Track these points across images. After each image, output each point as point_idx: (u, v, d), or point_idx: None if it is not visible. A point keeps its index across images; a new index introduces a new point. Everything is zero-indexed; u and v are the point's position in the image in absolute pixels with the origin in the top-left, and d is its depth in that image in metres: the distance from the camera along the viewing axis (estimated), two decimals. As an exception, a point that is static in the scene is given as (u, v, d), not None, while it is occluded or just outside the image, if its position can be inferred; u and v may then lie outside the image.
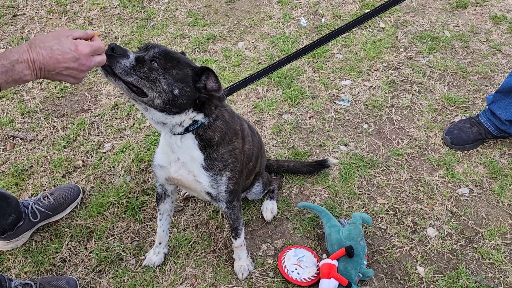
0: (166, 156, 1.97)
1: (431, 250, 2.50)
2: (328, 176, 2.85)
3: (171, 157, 1.95)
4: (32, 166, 2.88)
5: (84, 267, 2.41)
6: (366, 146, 3.04)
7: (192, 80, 1.70)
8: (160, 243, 2.41)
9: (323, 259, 2.39)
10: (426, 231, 2.59)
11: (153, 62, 1.63)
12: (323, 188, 2.79)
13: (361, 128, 3.16)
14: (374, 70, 3.58)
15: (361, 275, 2.31)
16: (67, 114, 3.22)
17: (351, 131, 3.15)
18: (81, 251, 2.47)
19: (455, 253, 2.49)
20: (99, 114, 3.21)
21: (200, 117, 1.80)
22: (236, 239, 2.30)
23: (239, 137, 2.02)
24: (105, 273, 2.39)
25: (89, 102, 3.31)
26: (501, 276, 2.40)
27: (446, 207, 2.69)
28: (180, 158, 1.93)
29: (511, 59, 3.67)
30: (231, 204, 2.13)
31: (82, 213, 2.63)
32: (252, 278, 2.37)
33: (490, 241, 2.54)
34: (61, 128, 3.11)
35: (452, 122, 3.17)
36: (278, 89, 3.41)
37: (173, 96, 1.66)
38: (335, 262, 2.30)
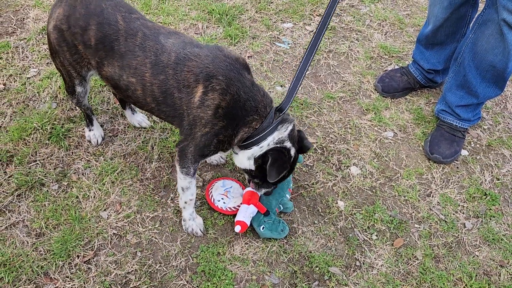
0: None
1: (352, 187, 2.63)
2: (262, 114, 2.87)
3: None
4: None
5: (3, 191, 2.32)
6: (301, 88, 3.09)
7: None
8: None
9: (249, 190, 2.45)
10: (349, 169, 2.71)
11: None
12: (256, 125, 2.82)
13: (298, 71, 3.19)
14: (316, 15, 3.58)
15: (281, 207, 2.40)
16: (-11, 36, 3.00)
17: (288, 73, 3.17)
18: (0, 175, 2.38)
19: (374, 190, 2.64)
20: (25, 38, 3.02)
21: None
22: None
23: None
24: (24, 197, 2.32)
25: (14, 25, 3.09)
26: (413, 212, 2.57)
27: (371, 148, 2.82)
28: None
29: (446, 15, 3.79)
30: None
31: (1, 137, 2.51)
32: (179, 206, 2.40)
33: (407, 181, 2.70)
34: (-19, 50, 2.90)
35: (385, 70, 3.27)
36: (219, 26, 3.34)
37: None
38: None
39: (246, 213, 2.26)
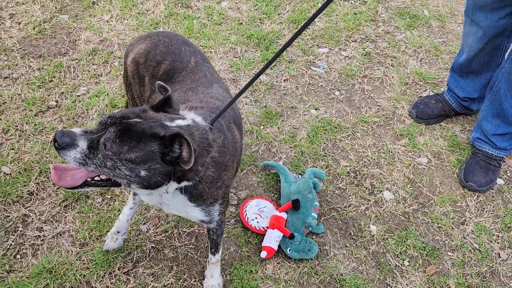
0: (153, 199, 1.80)
1: (385, 211, 2.65)
2: (296, 136, 2.95)
3: (160, 201, 1.79)
4: (5, 102, 2.89)
5: (51, 202, 2.48)
6: (336, 111, 3.15)
7: (161, 154, 1.47)
8: (118, 232, 2.29)
9: (282, 211, 2.51)
10: (382, 194, 2.73)
11: (106, 147, 1.44)
12: (290, 147, 2.90)
13: (333, 95, 3.26)
14: (352, 41, 3.66)
15: (311, 228, 2.44)
16: (44, 56, 3.22)
17: (323, 96, 3.24)
18: (49, 187, 2.53)
19: (407, 216, 2.65)
20: (76, 59, 3.22)
21: (183, 184, 1.61)
22: (215, 254, 2.17)
23: (228, 167, 1.83)
24: (71, 208, 2.47)
25: (67, 46, 3.31)
26: (446, 239, 2.57)
27: (404, 174, 2.84)
28: (169, 205, 1.81)
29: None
30: (220, 221, 2.01)
31: (52, 151, 2.68)
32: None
33: (441, 208, 2.70)
34: (37, 69, 3.11)
35: (420, 96, 3.30)
36: (257, 50, 3.47)
37: (141, 178, 1.49)
38: (283, 214, 2.43)
39: (271, 238, 2.33)
